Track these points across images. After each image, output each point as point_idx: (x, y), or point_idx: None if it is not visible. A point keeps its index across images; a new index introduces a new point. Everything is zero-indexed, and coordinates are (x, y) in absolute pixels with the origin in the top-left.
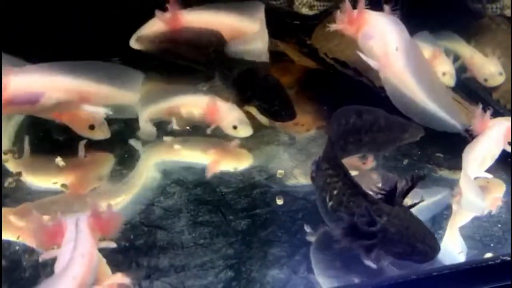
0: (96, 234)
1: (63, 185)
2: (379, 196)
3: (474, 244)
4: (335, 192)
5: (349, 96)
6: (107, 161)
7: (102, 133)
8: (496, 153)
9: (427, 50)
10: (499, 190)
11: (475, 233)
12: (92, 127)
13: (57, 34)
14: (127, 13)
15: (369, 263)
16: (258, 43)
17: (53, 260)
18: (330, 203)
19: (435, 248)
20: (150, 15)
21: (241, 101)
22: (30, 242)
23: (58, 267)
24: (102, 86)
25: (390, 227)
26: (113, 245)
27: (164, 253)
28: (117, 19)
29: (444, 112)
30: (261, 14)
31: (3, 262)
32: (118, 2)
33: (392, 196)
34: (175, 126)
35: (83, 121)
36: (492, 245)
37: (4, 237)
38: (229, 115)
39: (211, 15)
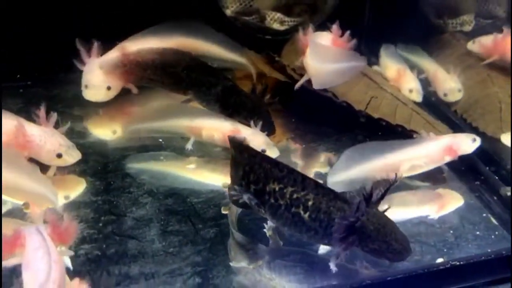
0: (55, 243)
1: (24, 204)
2: (357, 199)
3: (428, 249)
4: (310, 203)
5: (315, 109)
6: (78, 185)
7: (72, 158)
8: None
9: (392, 67)
10: (451, 201)
11: (429, 239)
12: (59, 156)
13: None
14: None
15: (333, 266)
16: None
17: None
18: (306, 214)
19: (408, 249)
20: None
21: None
22: None
23: (27, 273)
24: None
25: (368, 225)
26: (71, 253)
27: (134, 261)
28: None
29: None
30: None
31: None
32: None
33: (368, 200)
34: (190, 146)
35: (48, 152)
36: (445, 250)
37: None
38: (257, 140)
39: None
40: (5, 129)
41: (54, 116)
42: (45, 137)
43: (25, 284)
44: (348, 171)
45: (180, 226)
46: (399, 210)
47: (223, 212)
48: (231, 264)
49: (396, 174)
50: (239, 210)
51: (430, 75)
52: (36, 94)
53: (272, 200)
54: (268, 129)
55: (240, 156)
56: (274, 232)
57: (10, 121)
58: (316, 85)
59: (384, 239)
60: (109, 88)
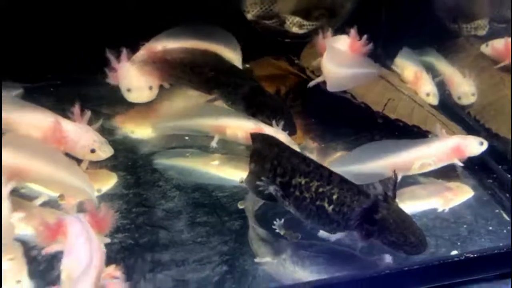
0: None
1: (60, 196)
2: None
3: (443, 242)
4: (334, 197)
5: (334, 110)
6: (109, 179)
7: (105, 153)
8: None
9: (410, 70)
10: (461, 194)
11: (444, 232)
12: (93, 151)
13: None
14: None
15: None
16: None
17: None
18: (330, 207)
19: (424, 243)
20: None
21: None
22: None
23: (69, 259)
24: None
25: (388, 218)
26: (108, 240)
27: (165, 249)
28: None
29: None
30: None
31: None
32: None
33: (389, 195)
34: (215, 143)
35: (83, 147)
36: (459, 243)
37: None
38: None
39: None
40: (43, 125)
41: (87, 113)
42: (79, 133)
43: (67, 270)
44: (357, 165)
45: (207, 218)
46: (409, 204)
47: (239, 206)
48: (255, 260)
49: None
50: (257, 205)
51: (445, 78)
52: (66, 93)
53: (298, 193)
54: (290, 129)
55: (269, 151)
56: (286, 228)
57: (48, 118)
58: (330, 87)
59: (402, 232)
60: (150, 88)
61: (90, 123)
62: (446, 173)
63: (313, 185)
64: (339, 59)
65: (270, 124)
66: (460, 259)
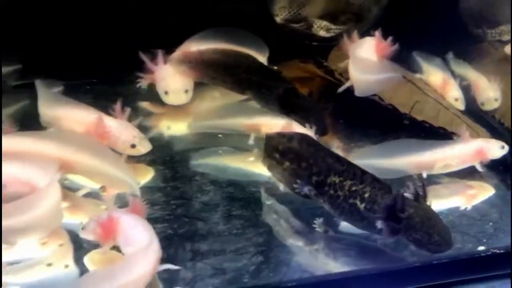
0: None
1: (101, 187)
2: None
3: (469, 239)
4: (366, 195)
5: (362, 111)
6: (147, 173)
7: (144, 148)
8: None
9: (437, 75)
10: (484, 192)
11: (470, 229)
12: (133, 146)
13: None
14: None
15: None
16: None
17: None
18: (362, 205)
19: (449, 243)
20: None
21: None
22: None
23: (129, 248)
24: None
25: (415, 216)
26: None
27: (203, 240)
28: None
29: None
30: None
31: None
32: None
33: (418, 195)
34: (252, 141)
35: (124, 142)
36: (484, 240)
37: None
38: None
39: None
40: (87, 121)
41: (127, 110)
42: (121, 129)
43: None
44: (380, 159)
45: (242, 211)
46: (434, 202)
47: (267, 203)
48: (289, 245)
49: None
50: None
51: (471, 83)
52: (102, 91)
53: (332, 191)
54: (322, 130)
55: (306, 150)
56: (325, 225)
57: (91, 114)
58: (357, 93)
59: (427, 230)
60: (186, 91)
61: (128, 120)
62: (468, 173)
63: (347, 184)
64: (363, 66)
65: (304, 125)
66: (487, 255)
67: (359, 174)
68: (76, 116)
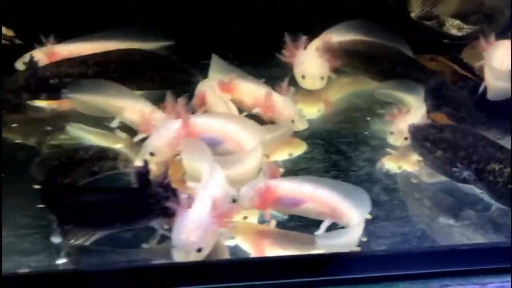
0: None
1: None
2: None
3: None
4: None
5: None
6: (300, 146)
7: (302, 125)
8: None
9: None
10: None
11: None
12: (293, 122)
13: None
14: None
15: None
16: None
17: None
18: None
19: None
20: None
21: (431, 106)
22: None
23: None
24: None
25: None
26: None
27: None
28: None
29: None
30: None
31: None
32: None
33: None
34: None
35: (286, 117)
36: None
37: None
38: None
39: None
40: (258, 94)
41: (292, 89)
42: (285, 105)
43: None
44: None
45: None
46: None
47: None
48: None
49: None
50: None
51: None
52: (248, 72)
53: (491, 178)
54: (475, 120)
55: (463, 141)
56: None
57: (262, 89)
58: (490, 96)
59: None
60: (322, 78)
61: None
62: None
63: (506, 171)
64: (498, 71)
65: (456, 118)
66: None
67: None
68: (248, 88)
